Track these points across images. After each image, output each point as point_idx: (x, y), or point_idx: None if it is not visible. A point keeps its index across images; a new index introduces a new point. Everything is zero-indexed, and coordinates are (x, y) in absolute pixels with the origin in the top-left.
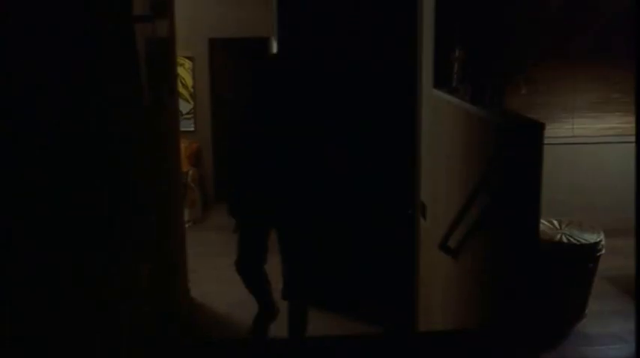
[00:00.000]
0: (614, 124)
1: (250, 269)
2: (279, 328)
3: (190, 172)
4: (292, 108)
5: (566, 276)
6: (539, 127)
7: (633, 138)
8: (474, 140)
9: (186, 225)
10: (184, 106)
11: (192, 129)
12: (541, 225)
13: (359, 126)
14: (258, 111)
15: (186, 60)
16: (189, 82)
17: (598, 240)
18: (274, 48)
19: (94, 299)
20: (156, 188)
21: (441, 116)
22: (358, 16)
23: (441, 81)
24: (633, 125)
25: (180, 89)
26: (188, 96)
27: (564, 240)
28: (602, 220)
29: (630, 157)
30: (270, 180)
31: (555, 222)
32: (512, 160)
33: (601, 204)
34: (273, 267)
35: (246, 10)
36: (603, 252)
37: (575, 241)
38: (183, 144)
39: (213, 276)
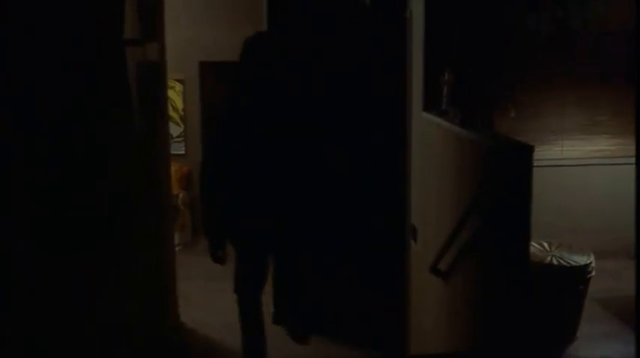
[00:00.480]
0: (602, 146)
1: (251, 299)
2: (271, 353)
3: (181, 195)
4: (285, 101)
5: (557, 299)
6: (528, 150)
7: (621, 160)
8: (464, 163)
9: (177, 249)
10: (175, 129)
11: (183, 152)
12: (531, 248)
13: (349, 151)
14: (249, 98)
15: (177, 83)
16: (179, 105)
17: (588, 262)
18: None
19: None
20: (147, 212)
21: (430, 139)
22: (348, 41)
23: (431, 104)
24: (621, 147)
25: (171, 112)
26: (178, 120)
27: (554, 262)
28: (591, 242)
29: (618, 179)
30: (268, 192)
31: (545, 244)
32: (502, 183)
33: (590, 225)
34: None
35: (238, 34)
36: (593, 274)
37: (565, 263)
38: (174, 168)
39: (203, 301)
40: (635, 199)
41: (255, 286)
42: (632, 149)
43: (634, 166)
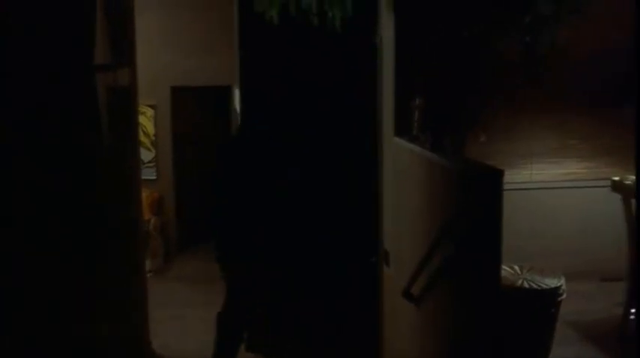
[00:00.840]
0: (572, 170)
1: (233, 328)
2: None
3: (152, 221)
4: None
5: (529, 322)
6: (498, 174)
7: (591, 183)
8: (436, 187)
9: (148, 275)
10: (146, 155)
11: (154, 177)
12: (503, 271)
13: (322, 176)
14: (228, 186)
15: (148, 108)
16: (150, 130)
17: (559, 284)
18: (236, 96)
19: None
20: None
21: (403, 164)
22: (320, 65)
23: (402, 129)
24: (591, 170)
25: (142, 137)
26: (149, 145)
27: (526, 285)
28: (562, 264)
29: (588, 202)
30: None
31: (517, 268)
32: (473, 207)
33: (561, 248)
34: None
35: (209, 59)
36: (564, 296)
37: (536, 286)
38: (145, 193)
39: (175, 328)
40: (637, 208)
41: (237, 322)
42: (601, 172)
43: (604, 189)
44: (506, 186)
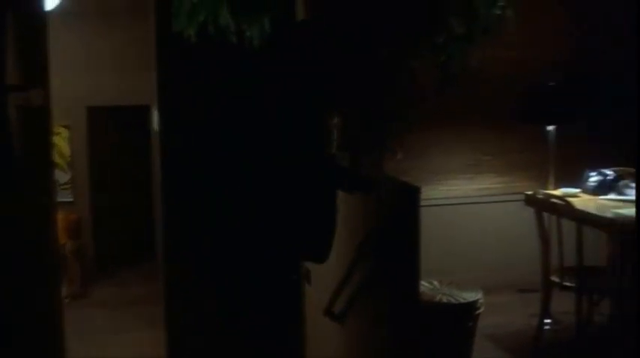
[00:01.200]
0: (487, 185)
1: None
2: None
3: (68, 245)
4: None
5: (448, 336)
6: (415, 190)
7: (505, 198)
8: (355, 205)
9: (65, 301)
10: (61, 176)
11: (71, 199)
12: (422, 287)
13: (246, 194)
14: None
15: (63, 128)
16: (66, 151)
17: (477, 298)
18: (155, 117)
19: None
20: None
21: None
22: (240, 84)
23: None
24: (506, 185)
25: (57, 159)
26: (65, 166)
27: (444, 300)
28: (480, 278)
29: (503, 216)
30: None
31: (436, 283)
32: (391, 224)
33: (478, 262)
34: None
35: (126, 78)
36: (482, 309)
37: (455, 301)
38: (60, 216)
39: (92, 356)
40: (636, 211)
41: None
42: (515, 186)
43: (519, 203)
44: (423, 203)
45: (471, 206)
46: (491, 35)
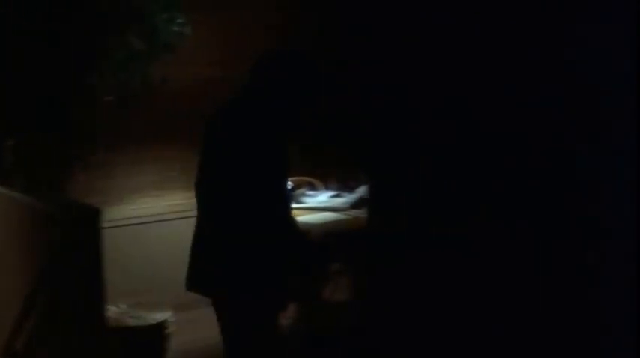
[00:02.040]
0: (177, 201)
1: None
2: None
3: None
4: None
5: None
6: (94, 213)
7: (194, 213)
8: (30, 233)
9: None
10: None
11: None
12: (109, 311)
13: None
14: None
15: None
16: None
17: (166, 317)
18: None
19: None
20: None
21: None
22: None
23: None
24: (193, 200)
25: None
26: None
27: (132, 322)
28: (173, 296)
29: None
30: None
31: (123, 306)
32: (71, 250)
33: (171, 280)
34: None
35: None
36: (173, 328)
37: (143, 322)
38: None
39: None
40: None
41: None
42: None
43: None
44: (110, 224)
45: (160, 223)
46: (172, 51)
